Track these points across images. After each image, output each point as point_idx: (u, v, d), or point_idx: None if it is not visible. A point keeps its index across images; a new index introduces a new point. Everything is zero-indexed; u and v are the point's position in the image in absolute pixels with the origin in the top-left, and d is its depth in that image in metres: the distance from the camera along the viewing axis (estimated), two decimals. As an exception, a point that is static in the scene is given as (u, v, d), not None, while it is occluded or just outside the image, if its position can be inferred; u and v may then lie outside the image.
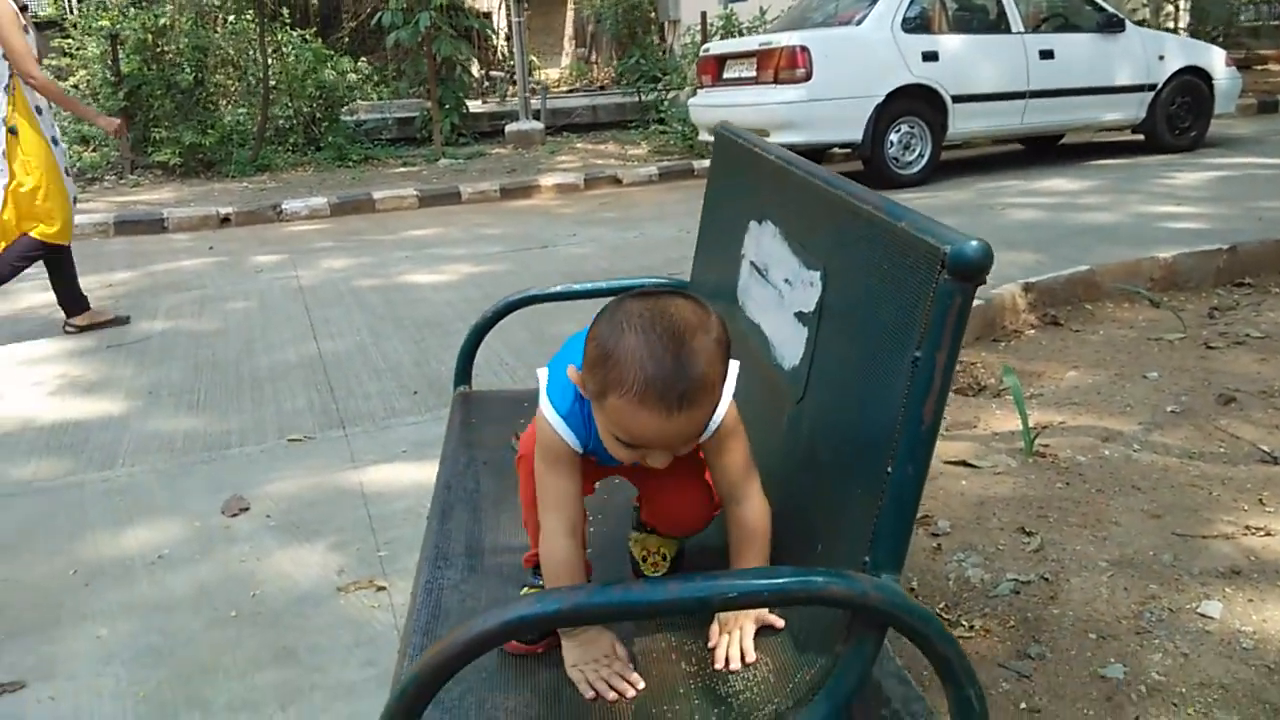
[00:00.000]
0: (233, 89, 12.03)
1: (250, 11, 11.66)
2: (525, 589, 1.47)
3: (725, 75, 8.61)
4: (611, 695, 1.24)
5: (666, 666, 1.31)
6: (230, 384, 4.12)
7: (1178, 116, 9.03)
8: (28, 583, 2.58)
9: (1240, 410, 3.11)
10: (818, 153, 8.38)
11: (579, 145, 12.29)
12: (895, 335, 1.15)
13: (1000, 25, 8.40)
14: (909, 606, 1.07)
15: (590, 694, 1.25)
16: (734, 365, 1.34)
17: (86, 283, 6.17)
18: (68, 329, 5.10)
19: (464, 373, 2.35)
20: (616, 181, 9.63)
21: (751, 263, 1.84)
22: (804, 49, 7.68)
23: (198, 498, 3.03)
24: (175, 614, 2.40)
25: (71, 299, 5.16)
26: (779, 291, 1.65)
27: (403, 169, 10.89)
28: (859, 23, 7.97)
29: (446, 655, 1.03)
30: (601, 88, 18.50)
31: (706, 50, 9.19)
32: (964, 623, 2.08)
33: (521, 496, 1.46)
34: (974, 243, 1.05)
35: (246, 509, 2.93)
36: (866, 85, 7.78)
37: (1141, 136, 9.22)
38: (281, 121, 11.84)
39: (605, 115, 14.15)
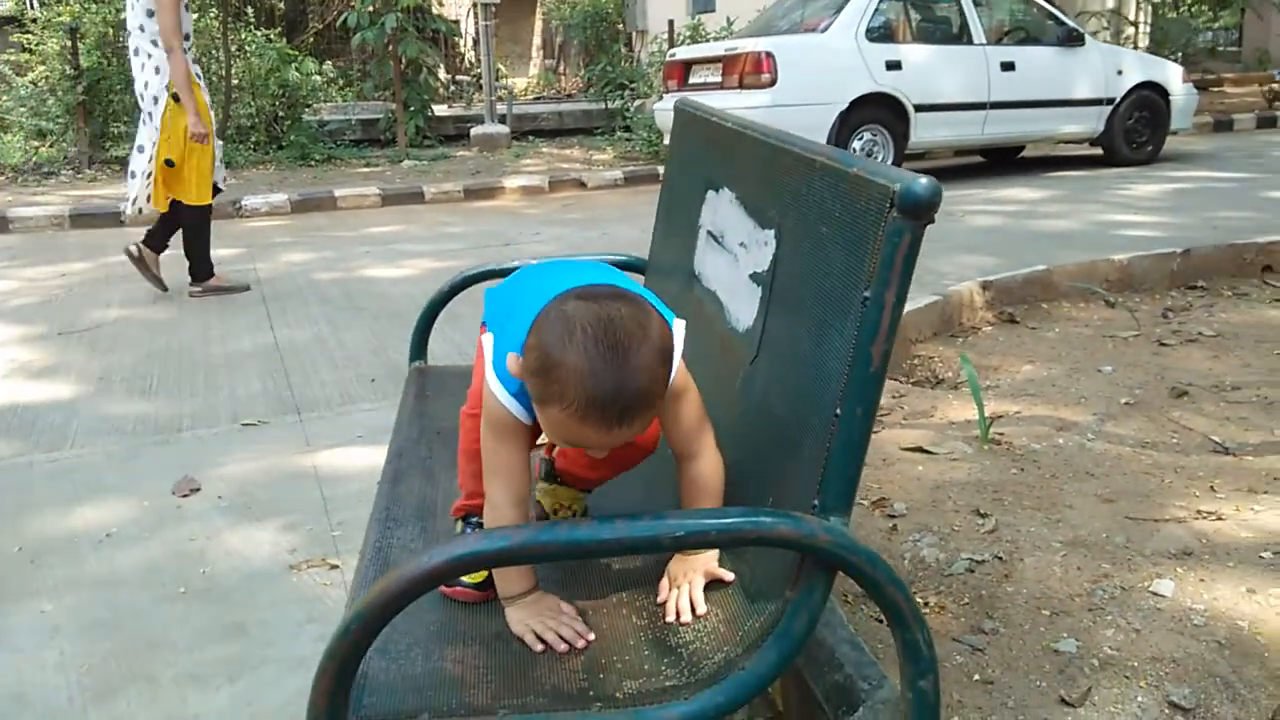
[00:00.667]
0: (194, 87, 11.89)
1: (214, 9, 11.55)
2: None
3: (691, 80, 8.64)
4: (562, 646, 1.23)
5: (617, 620, 1.31)
6: (184, 371, 4.06)
7: (1135, 130, 9.18)
8: (-31, 560, 2.52)
9: (1192, 403, 3.15)
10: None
11: (545, 150, 12.28)
12: (846, 279, 1.15)
13: (963, 37, 8.51)
14: (857, 548, 1.07)
15: (539, 646, 1.24)
16: (679, 325, 1.33)
17: (38, 273, 6.10)
18: (192, 293, 5.41)
19: (419, 348, 2.33)
20: (581, 185, 9.63)
21: (708, 231, 1.84)
22: (769, 54, 7.73)
23: (148, 479, 2.98)
24: (122, 590, 2.35)
25: (204, 262, 5.41)
26: (734, 256, 1.66)
27: (366, 169, 10.83)
28: (824, 30, 8.04)
29: (391, 592, 1.02)
30: (569, 96, 18.54)
31: (673, 55, 9.22)
32: (919, 600, 2.08)
33: (460, 449, 1.45)
34: (923, 180, 1.05)
35: (198, 490, 2.89)
36: (830, 92, 7.84)
37: (1100, 149, 9.36)
38: (243, 120, 11.73)
39: (571, 121, 14.16)
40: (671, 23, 12.10)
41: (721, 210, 1.76)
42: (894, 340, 1.08)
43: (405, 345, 4.01)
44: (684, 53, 9.11)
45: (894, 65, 8.06)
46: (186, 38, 5.11)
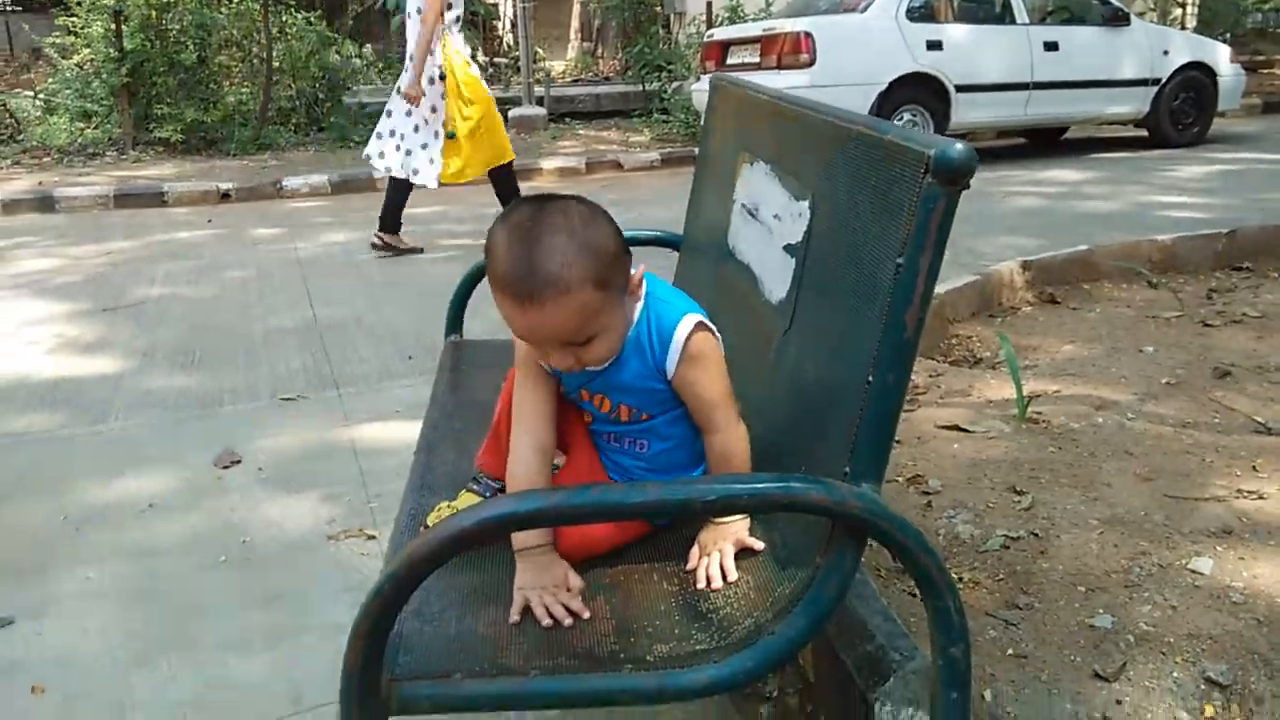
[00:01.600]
0: (235, 70, 12.01)
1: (255, -9, 11.65)
2: (464, 490, 1.49)
3: (729, 61, 8.59)
4: (547, 621, 1.23)
5: (649, 585, 1.31)
6: (225, 347, 4.12)
7: (1181, 111, 9.02)
8: (19, 528, 2.58)
9: (1235, 384, 3.10)
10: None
11: (581, 132, 12.27)
12: (880, 247, 1.15)
13: (1005, 16, 8.38)
14: (888, 515, 1.07)
15: (515, 618, 1.25)
16: (691, 320, 1.35)
17: (83, 251, 6.20)
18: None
19: (455, 321, 2.35)
20: (618, 166, 9.62)
21: (742, 205, 1.84)
22: (808, 35, 7.67)
23: (189, 451, 3.03)
24: (164, 559, 2.40)
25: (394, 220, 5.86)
26: (768, 228, 1.65)
27: (405, 151, 10.87)
28: (864, 10, 7.96)
29: (423, 553, 1.03)
30: (607, 79, 18.49)
31: (710, 36, 9.17)
32: (953, 575, 2.07)
33: (499, 402, 1.48)
34: (958, 145, 1.04)
35: (238, 462, 2.93)
36: (870, 72, 7.77)
37: (1145, 131, 9.20)
38: (284, 102, 11.82)
39: (608, 104, 14.13)
40: (710, 4, 12.02)
41: (756, 183, 1.75)
42: (928, 308, 1.08)
43: (441, 322, 4.04)
44: (722, 33, 9.06)
45: (935, 45, 7.96)
46: (457, 19, 5.61)
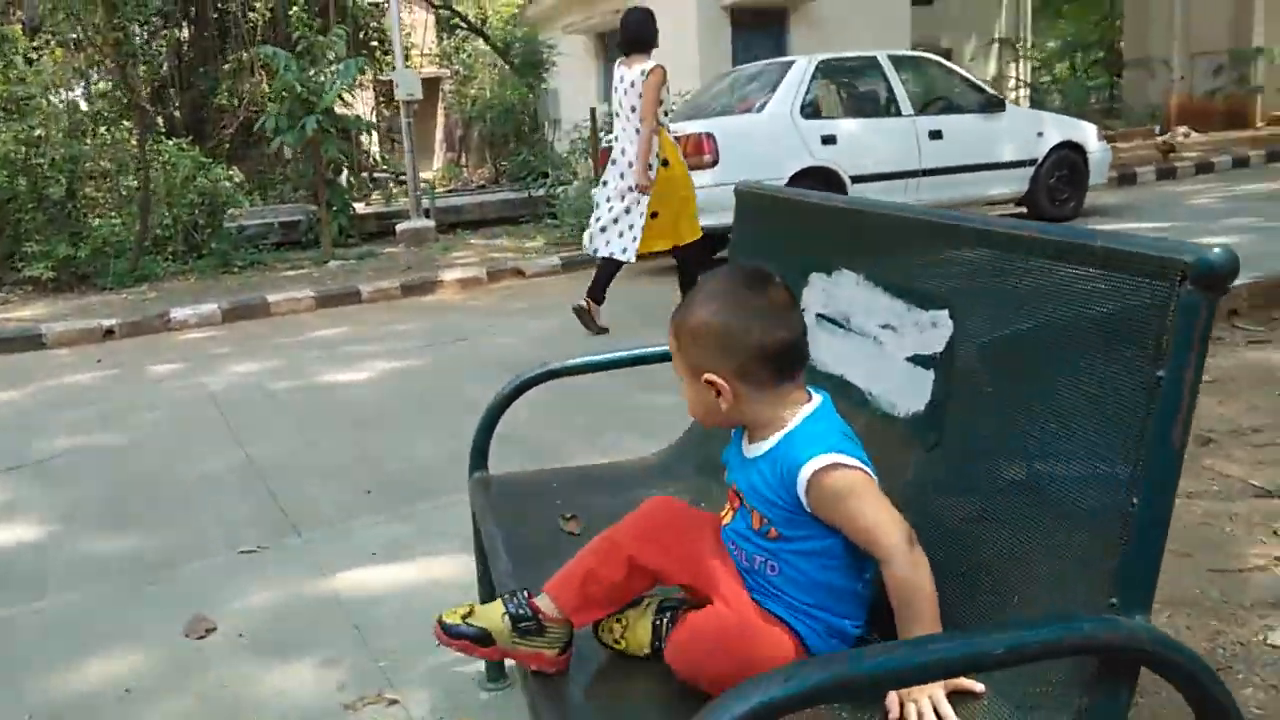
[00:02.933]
0: (103, 200, 11.52)
1: (128, 121, 11.27)
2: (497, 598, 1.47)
3: (627, 164, 8.66)
4: None
5: (854, 748, 1.17)
6: (157, 499, 3.78)
7: (1057, 188, 9.50)
8: (-28, 735, 2.24)
9: (1220, 450, 3.15)
10: (723, 236, 8.47)
11: (473, 242, 12.17)
12: (1108, 357, 1.07)
13: (890, 109, 8.73)
14: (1179, 648, 0.98)
15: None
16: (822, 459, 1.28)
17: (-29, 403, 5.71)
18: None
19: (480, 455, 2.17)
20: (520, 273, 9.53)
21: (819, 314, 1.75)
22: (709, 136, 7.80)
23: (152, 622, 2.72)
24: (159, 754, 2.10)
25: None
26: (873, 338, 1.57)
27: (291, 272, 10.55)
28: (760, 109, 8.16)
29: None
30: (481, 186, 18.57)
31: (611, 141, 9.24)
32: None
33: (607, 534, 1.46)
34: (1217, 249, 0.99)
35: (213, 629, 2.64)
36: (771, 169, 7.91)
37: (1025, 209, 9.64)
38: (159, 230, 11.37)
39: (493, 211, 14.11)
40: (594, 110, 12.18)
41: (841, 293, 1.67)
42: (1191, 420, 1.00)
43: (391, 451, 3.82)
44: (619, 138, 9.13)
45: (829, 139, 8.20)
46: (666, 114, 6.23)
